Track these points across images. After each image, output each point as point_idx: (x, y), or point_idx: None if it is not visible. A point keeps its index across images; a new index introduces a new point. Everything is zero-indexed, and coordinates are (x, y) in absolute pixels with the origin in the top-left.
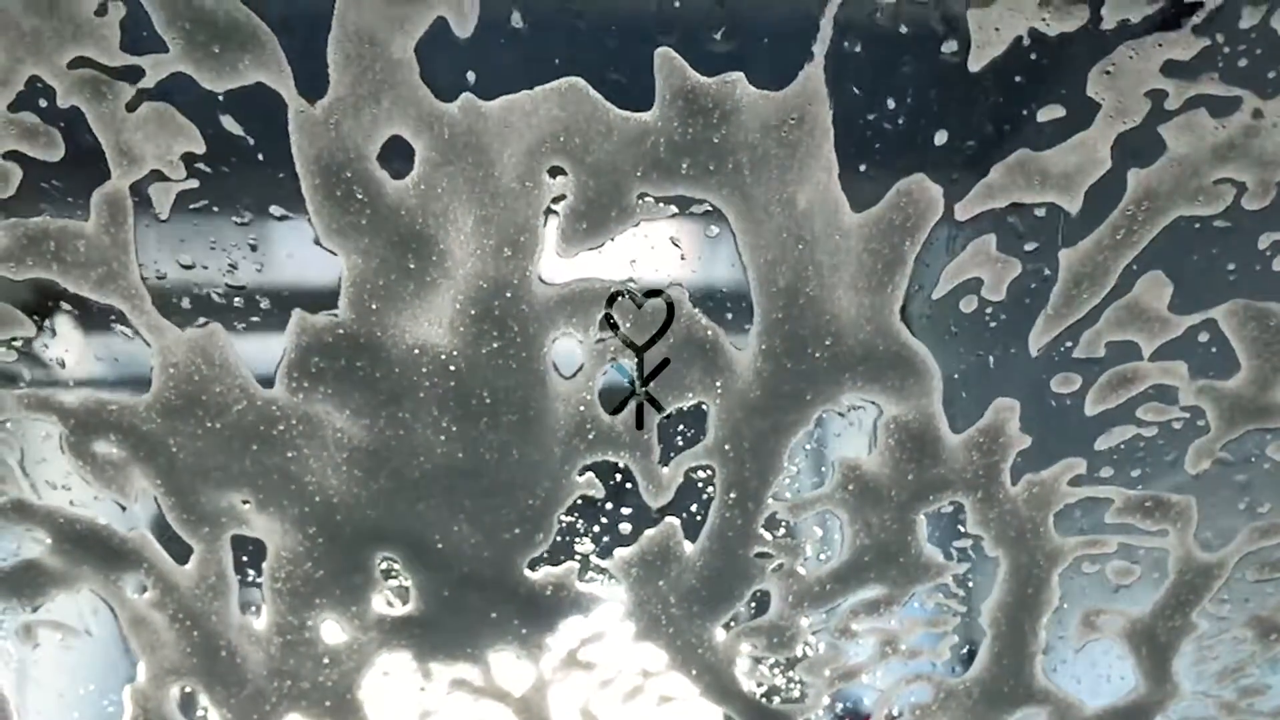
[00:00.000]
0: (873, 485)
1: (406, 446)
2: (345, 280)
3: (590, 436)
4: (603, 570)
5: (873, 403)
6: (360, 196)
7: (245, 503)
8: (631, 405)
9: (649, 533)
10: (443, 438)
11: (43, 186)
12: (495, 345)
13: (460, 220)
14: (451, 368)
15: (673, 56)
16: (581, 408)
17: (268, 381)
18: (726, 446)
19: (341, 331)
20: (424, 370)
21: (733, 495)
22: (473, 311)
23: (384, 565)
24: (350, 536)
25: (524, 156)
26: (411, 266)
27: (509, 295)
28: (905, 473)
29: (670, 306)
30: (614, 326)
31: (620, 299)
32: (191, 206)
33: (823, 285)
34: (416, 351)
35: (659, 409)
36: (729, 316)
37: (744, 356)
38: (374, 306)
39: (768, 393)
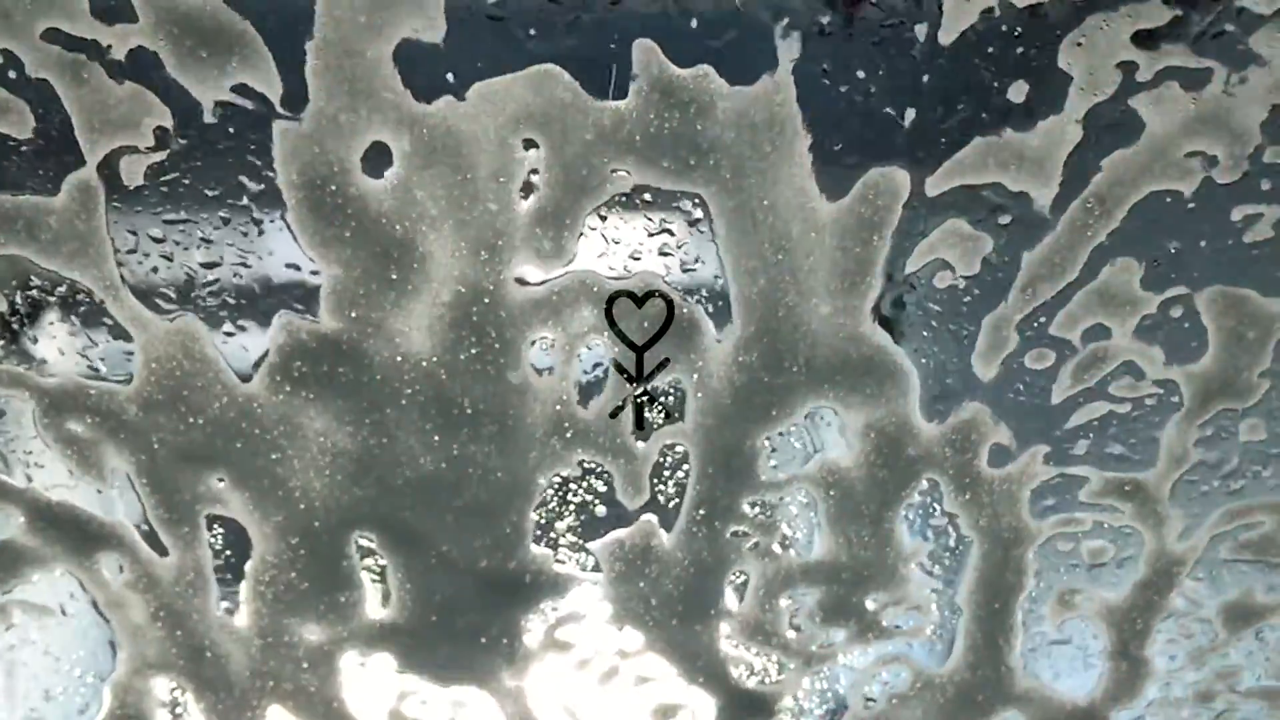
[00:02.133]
0: (851, 492)
1: (390, 455)
2: (326, 288)
3: (568, 435)
4: (583, 549)
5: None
6: (344, 210)
7: (220, 480)
8: (630, 407)
9: (628, 531)
10: (425, 447)
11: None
12: (474, 351)
13: (439, 225)
14: (431, 375)
15: (651, 47)
16: (558, 406)
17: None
18: (699, 464)
19: (323, 337)
20: (406, 377)
21: (702, 512)
22: (451, 317)
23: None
24: (333, 542)
25: (497, 149)
26: (394, 277)
27: (486, 301)
28: (882, 479)
29: (670, 307)
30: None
31: (620, 299)
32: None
33: (800, 292)
34: (398, 358)
35: (667, 414)
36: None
37: (721, 356)
38: (354, 315)
39: (741, 403)
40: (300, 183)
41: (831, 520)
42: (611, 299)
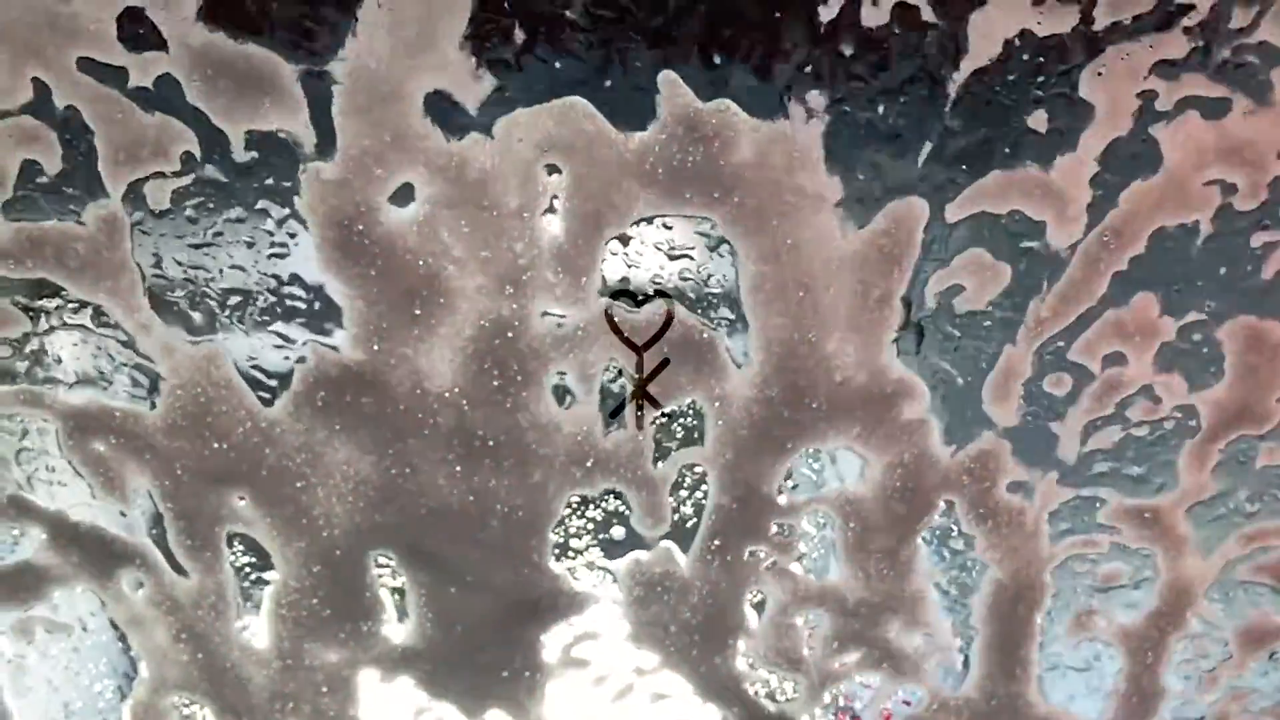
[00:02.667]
0: (868, 525)
1: (412, 484)
2: (351, 321)
3: (589, 465)
4: (603, 569)
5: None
6: (370, 249)
7: (241, 499)
8: (630, 406)
9: (647, 557)
10: (447, 479)
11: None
12: (495, 383)
13: (464, 262)
14: (453, 406)
15: (675, 80)
16: (579, 437)
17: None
18: (716, 497)
19: (347, 367)
20: (428, 408)
21: (716, 542)
22: (473, 350)
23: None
24: (354, 569)
25: (522, 184)
26: (418, 312)
27: (509, 335)
28: (900, 514)
29: (669, 308)
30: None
31: (619, 299)
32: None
33: (821, 327)
34: (420, 390)
35: (658, 407)
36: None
37: (742, 390)
38: (378, 347)
39: (761, 437)
40: (328, 223)
41: (849, 551)
42: (610, 300)
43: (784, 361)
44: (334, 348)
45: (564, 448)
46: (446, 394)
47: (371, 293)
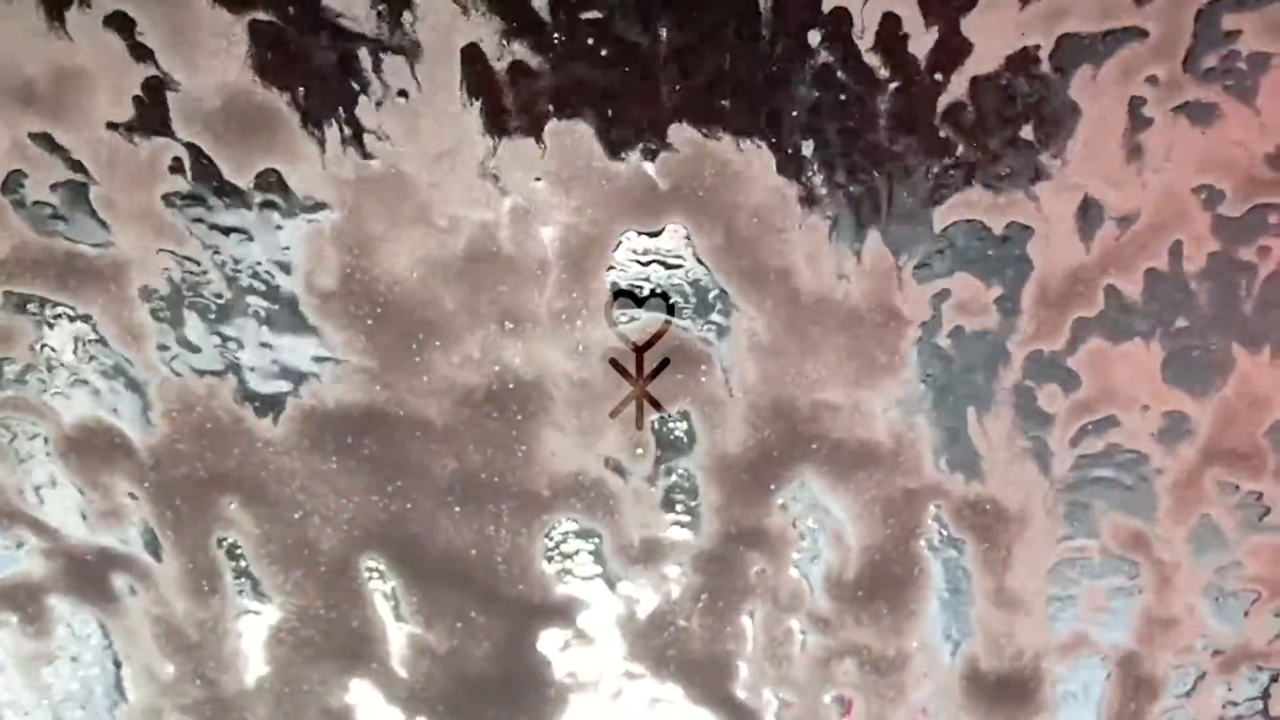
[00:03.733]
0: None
1: (414, 523)
2: (349, 364)
3: (592, 496)
4: (594, 576)
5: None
6: (369, 299)
7: (231, 504)
8: (630, 407)
9: (648, 596)
10: (448, 520)
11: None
12: (495, 425)
13: (464, 307)
14: (452, 445)
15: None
16: (579, 475)
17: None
18: (706, 540)
19: (347, 408)
20: (429, 450)
21: (706, 599)
22: (470, 393)
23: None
24: (355, 604)
25: (520, 220)
26: (417, 359)
27: (511, 385)
28: (897, 574)
29: (670, 307)
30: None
31: (620, 298)
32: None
33: (813, 375)
34: (419, 432)
35: (659, 409)
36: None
37: (736, 434)
38: (378, 389)
39: (755, 480)
40: (323, 282)
41: (836, 592)
42: (612, 299)
43: (777, 409)
44: (333, 381)
45: (561, 484)
46: (447, 433)
47: (369, 342)
